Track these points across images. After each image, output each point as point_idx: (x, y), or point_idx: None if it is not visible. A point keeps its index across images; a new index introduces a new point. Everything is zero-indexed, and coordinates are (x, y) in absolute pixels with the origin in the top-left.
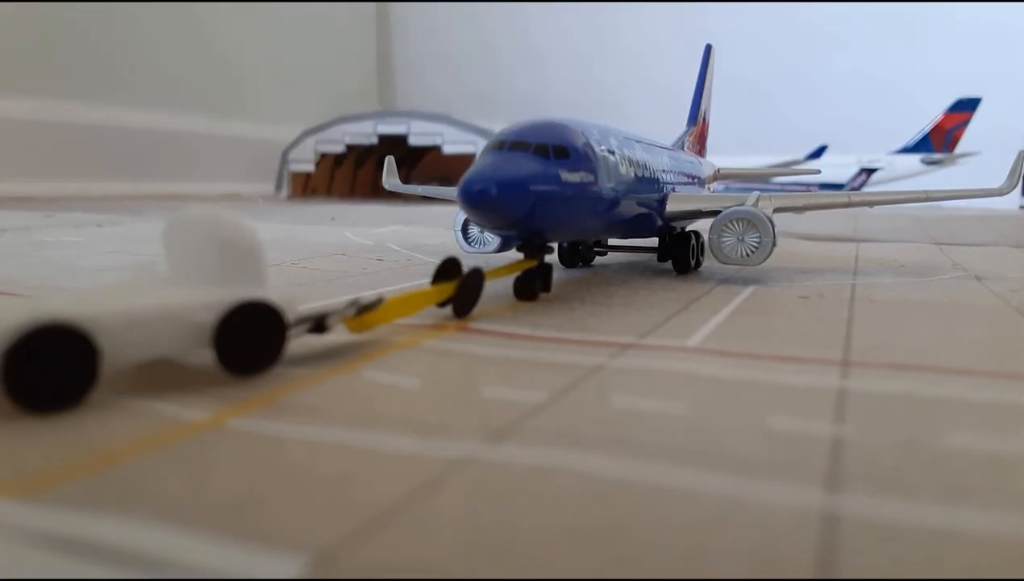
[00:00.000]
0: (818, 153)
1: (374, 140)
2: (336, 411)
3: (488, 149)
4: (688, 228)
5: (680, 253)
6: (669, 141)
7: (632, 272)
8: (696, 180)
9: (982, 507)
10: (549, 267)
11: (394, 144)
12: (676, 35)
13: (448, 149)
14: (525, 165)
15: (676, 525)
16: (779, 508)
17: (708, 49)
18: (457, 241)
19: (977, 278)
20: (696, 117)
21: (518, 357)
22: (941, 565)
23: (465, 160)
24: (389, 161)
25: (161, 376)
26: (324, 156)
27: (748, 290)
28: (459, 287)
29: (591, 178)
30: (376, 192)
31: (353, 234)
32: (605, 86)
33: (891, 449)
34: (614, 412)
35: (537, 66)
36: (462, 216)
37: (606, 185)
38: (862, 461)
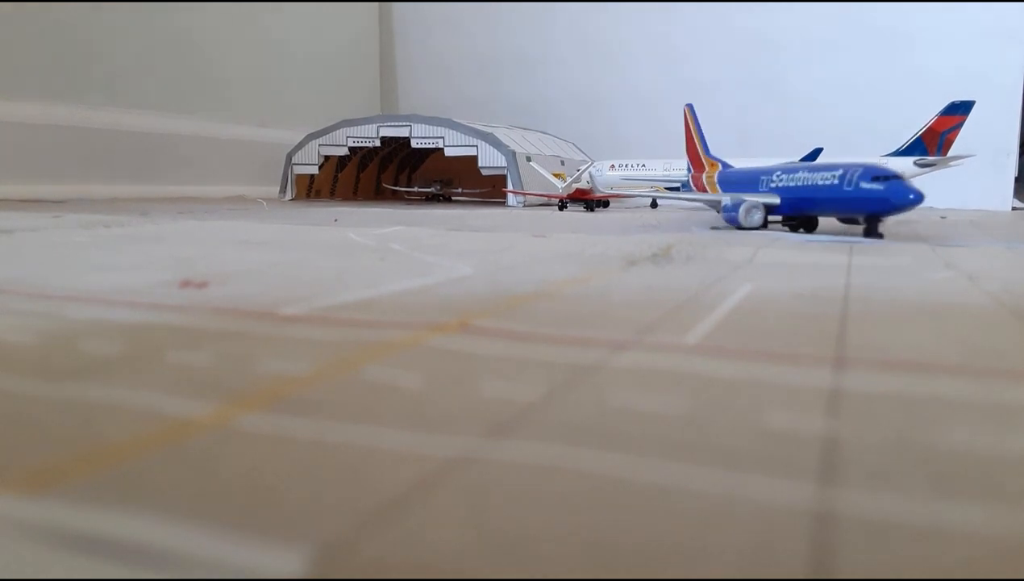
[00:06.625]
0: (813, 155)
1: (377, 143)
2: (338, 408)
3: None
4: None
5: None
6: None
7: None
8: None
9: (978, 505)
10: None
11: (397, 147)
12: (696, 44)
13: (450, 152)
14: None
15: (674, 524)
16: (776, 506)
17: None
18: (732, 222)
19: (969, 278)
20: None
21: (519, 355)
22: (935, 563)
23: (466, 161)
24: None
25: (163, 375)
26: (328, 159)
27: (744, 289)
28: None
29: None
30: (379, 194)
31: (356, 235)
32: (610, 90)
33: (885, 446)
34: (613, 410)
35: (539, 70)
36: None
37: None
38: (857, 458)
